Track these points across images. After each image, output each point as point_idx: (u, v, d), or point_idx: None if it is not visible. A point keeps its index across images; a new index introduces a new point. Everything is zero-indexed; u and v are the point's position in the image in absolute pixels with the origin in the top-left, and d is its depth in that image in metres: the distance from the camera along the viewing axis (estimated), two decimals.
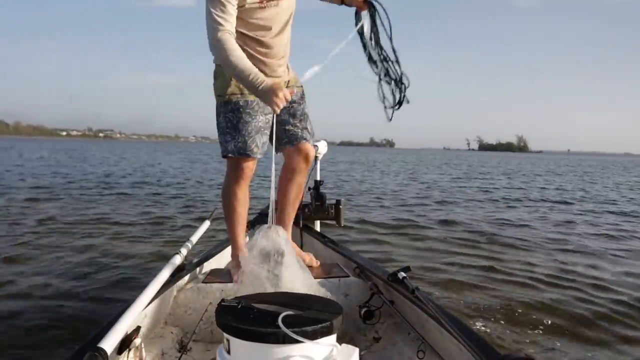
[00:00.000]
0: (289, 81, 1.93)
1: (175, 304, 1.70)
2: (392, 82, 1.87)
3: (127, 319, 1.24)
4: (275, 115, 1.70)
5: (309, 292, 1.44)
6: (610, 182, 17.01)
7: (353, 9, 1.89)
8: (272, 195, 1.79)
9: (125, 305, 1.34)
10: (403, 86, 1.87)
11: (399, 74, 1.86)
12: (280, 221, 2.03)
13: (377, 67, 1.89)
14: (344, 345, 1.21)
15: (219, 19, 1.60)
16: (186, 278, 1.81)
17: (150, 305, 1.47)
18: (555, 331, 2.58)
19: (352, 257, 2.05)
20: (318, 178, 2.85)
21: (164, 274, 1.64)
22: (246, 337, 1.14)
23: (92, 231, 4.97)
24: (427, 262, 3.98)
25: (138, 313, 1.32)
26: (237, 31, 1.68)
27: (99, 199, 7.83)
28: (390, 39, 1.84)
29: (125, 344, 1.21)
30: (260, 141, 1.83)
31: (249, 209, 1.99)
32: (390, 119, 1.91)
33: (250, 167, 1.86)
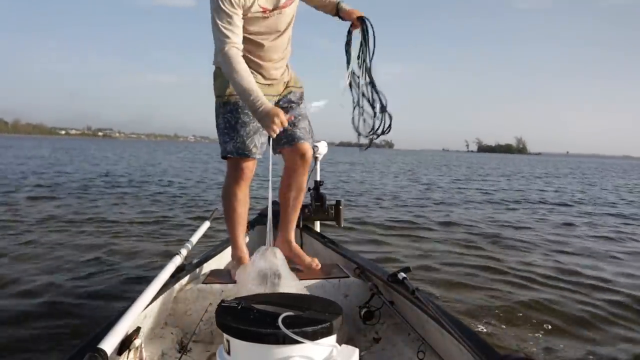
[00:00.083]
0: (288, 82, 1.93)
1: (175, 304, 1.70)
2: (376, 108, 1.85)
3: (127, 320, 1.24)
4: None
5: None
6: (609, 185, 17.04)
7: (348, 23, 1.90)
8: (270, 195, 1.80)
9: (125, 305, 1.34)
10: (387, 114, 1.85)
11: (384, 101, 1.85)
12: (283, 223, 2.03)
13: (357, 91, 1.88)
14: (344, 345, 1.21)
15: (226, 32, 1.60)
16: (186, 279, 1.81)
17: (151, 305, 1.47)
18: (555, 331, 2.59)
19: (352, 257, 2.05)
20: (318, 178, 2.85)
21: (164, 275, 1.64)
22: (246, 338, 1.14)
23: (91, 231, 4.97)
24: (427, 263, 3.98)
25: (138, 314, 1.32)
26: None
27: (99, 198, 7.82)
28: (370, 60, 1.84)
29: (125, 345, 1.21)
30: (259, 141, 1.83)
31: (250, 209, 1.99)
32: (366, 148, 1.90)
33: (250, 167, 1.86)
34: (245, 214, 1.96)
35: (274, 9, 1.70)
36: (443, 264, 3.98)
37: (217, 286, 1.73)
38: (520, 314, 2.82)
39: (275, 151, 1.90)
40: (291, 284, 1.49)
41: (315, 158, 2.79)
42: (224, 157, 1.87)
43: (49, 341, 2.22)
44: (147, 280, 1.57)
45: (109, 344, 1.11)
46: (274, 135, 1.62)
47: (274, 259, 1.51)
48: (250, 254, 1.97)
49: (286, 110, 1.89)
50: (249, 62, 1.68)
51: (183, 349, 1.57)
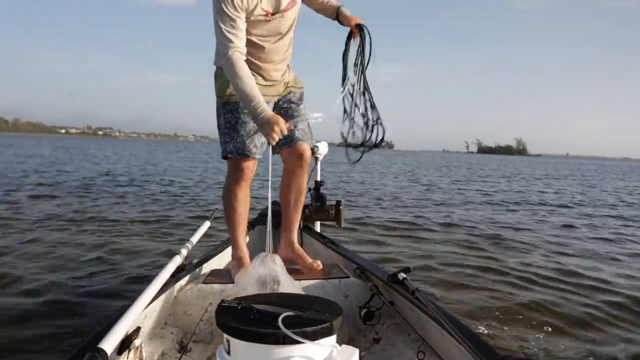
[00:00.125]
0: (288, 82, 1.93)
1: (175, 304, 1.69)
2: (368, 120, 1.86)
3: (127, 320, 1.24)
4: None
5: None
6: (609, 187, 17.05)
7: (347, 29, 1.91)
8: (270, 197, 1.80)
9: (125, 305, 1.34)
10: (380, 127, 1.85)
11: (376, 115, 1.86)
12: (285, 224, 2.03)
13: (350, 101, 1.88)
14: (344, 346, 1.21)
15: (229, 36, 1.60)
16: (186, 278, 1.81)
17: (151, 305, 1.46)
18: (555, 332, 2.59)
19: (352, 257, 2.05)
20: (318, 179, 2.85)
21: (164, 275, 1.64)
22: (246, 338, 1.14)
23: (92, 230, 4.97)
24: (428, 263, 3.98)
25: (138, 313, 1.32)
26: None
27: (100, 197, 7.82)
28: (366, 69, 1.85)
29: (125, 345, 1.21)
30: (258, 142, 1.83)
31: (250, 208, 1.99)
32: (355, 162, 1.90)
33: (250, 167, 1.86)
34: (246, 214, 1.96)
35: (275, 12, 1.70)
36: (443, 264, 3.98)
37: (217, 286, 1.72)
38: (520, 315, 2.82)
39: (274, 152, 1.90)
40: (290, 290, 1.51)
41: (316, 158, 2.79)
42: (224, 157, 1.87)
43: (48, 340, 2.22)
44: (147, 280, 1.57)
45: (109, 343, 1.11)
46: (273, 143, 1.64)
47: (274, 265, 1.52)
48: (251, 254, 1.98)
49: (285, 110, 1.90)
50: (249, 63, 1.69)
51: (183, 349, 1.57)
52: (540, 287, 3.47)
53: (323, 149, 2.79)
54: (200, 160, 24.97)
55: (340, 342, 1.22)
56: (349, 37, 1.91)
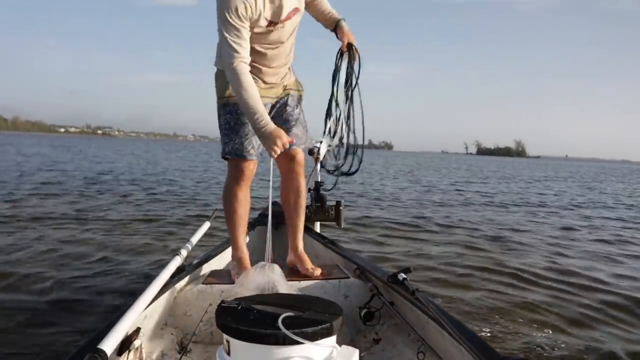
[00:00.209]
0: (287, 85, 1.94)
1: (175, 305, 1.69)
2: (347, 146, 1.94)
3: (127, 320, 1.24)
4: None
5: None
6: (608, 189, 17.07)
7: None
8: (270, 197, 1.80)
9: (125, 306, 1.34)
10: (357, 158, 1.94)
11: (355, 145, 1.94)
12: (289, 228, 2.03)
13: (335, 123, 1.94)
14: (344, 346, 1.21)
15: (234, 46, 1.60)
16: (186, 279, 1.81)
17: (150, 306, 1.46)
18: (555, 333, 2.59)
19: (352, 258, 2.05)
20: (318, 179, 2.85)
21: (164, 275, 1.64)
22: (246, 338, 1.14)
23: (92, 229, 4.96)
24: (428, 264, 3.98)
25: (138, 314, 1.32)
26: None
27: (100, 196, 7.82)
28: (353, 90, 1.91)
29: (125, 345, 1.21)
30: (256, 143, 1.83)
31: (251, 208, 1.99)
32: (331, 189, 1.94)
33: (250, 168, 1.86)
34: (246, 214, 1.96)
35: (277, 23, 1.70)
36: (443, 265, 3.98)
37: (217, 287, 1.72)
38: (521, 315, 2.82)
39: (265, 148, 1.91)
40: None
41: (316, 159, 2.78)
42: (223, 158, 1.88)
43: (48, 342, 2.21)
44: (147, 281, 1.57)
45: (109, 344, 1.11)
46: (275, 156, 1.66)
47: (273, 274, 1.54)
48: (251, 255, 1.98)
49: (281, 113, 1.90)
50: (251, 67, 1.69)
51: (183, 349, 1.57)
52: (539, 287, 3.48)
53: (323, 149, 2.78)
54: (201, 160, 24.96)
55: (340, 342, 1.22)
56: (339, 55, 1.94)
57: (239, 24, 1.59)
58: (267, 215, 1.80)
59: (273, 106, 1.91)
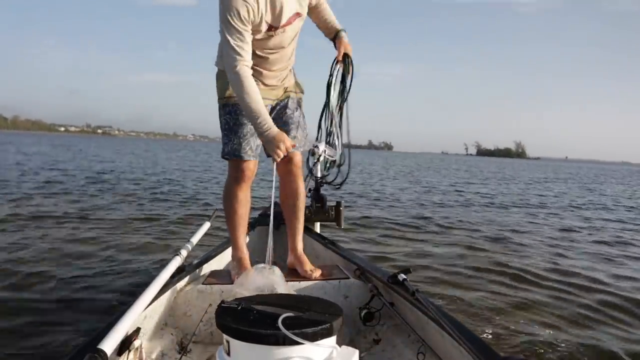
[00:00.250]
0: (287, 87, 1.94)
1: (175, 305, 1.69)
2: (335, 161, 2.01)
3: (127, 320, 1.24)
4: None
5: None
6: (608, 190, 17.08)
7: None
8: (273, 198, 1.80)
9: (125, 306, 1.34)
10: (339, 172, 2.03)
11: (342, 157, 2.02)
12: (288, 229, 2.03)
13: (326, 133, 1.99)
14: (343, 347, 1.21)
15: (237, 49, 1.60)
16: (186, 279, 1.81)
17: (150, 306, 1.46)
18: (555, 333, 2.59)
19: (352, 258, 2.05)
20: (338, 158, 2.82)
21: (164, 275, 1.64)
22: (246, 339, 1.14)
23: (92, 229, 4.96)
24: (428, 265, 3.98)
25: (138, 314, 1.32)
26: None
27: (100, 196, 7.82)
28: (346, 100, 1.97)
29: (125, 346, 1.21)
30: (254, 144, 1.83)
31: (251, 207, 1.99)
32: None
33: (250, 168, 1.86)
34: (246, 214, 1.96)
35: (277, 28, 1.70)
36: (443, 265, 3.98)
37: (217, 287, 1.72)
38: (521, 316, 2.82)
39: (267, 155, 1.92)
40: None
41: (317, 160, 2.78)
42: (223, 158, 1.88)
43: (48, 343, 2.21)
44: (147, 281, 1.57)
45: (109, 344, 1.11)
46: (278, 160, 1.68)
47: (273, 277, 1.55)
48: (251, 255, 1.98)
49: (281, 115, 1.90)
50: (252, 70, 1.69)
51: (183, 349, 1.57)
52: (539, 287, 3.48)
53: (323, 149, 2.78)
54: (201, 160, 24.96)
55: (340, 343, 1.22)
56: (334, 64, 1.97)
57: (242, 27, 1.59)
58: (267, 216, 1.80)
59: (273, 108, 1.91)
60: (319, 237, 2.53)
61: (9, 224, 4.98)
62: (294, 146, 1.71)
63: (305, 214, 2.12)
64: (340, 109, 2.00)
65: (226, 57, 1.63)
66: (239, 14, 1.57)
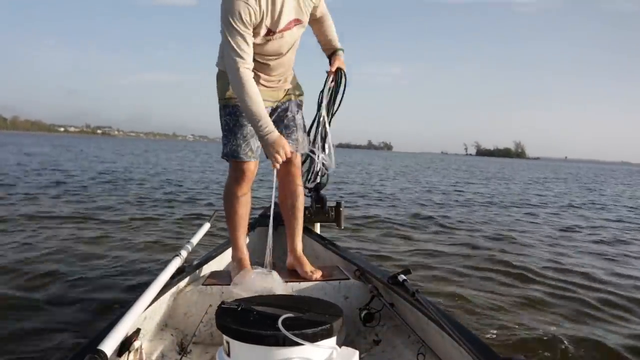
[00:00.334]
0: (287, 90, 1.94)
1: (175, 306, 1.69)
2: (316, 166, 2.04)
3: (127, 322, 1.24)
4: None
5: None
6: (608, 190, 17.09)
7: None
8: (273, 199, 1.80)
9: (125, 307, 1.34)
10: (323, 175, 2.09)
11: (325, 166, 2.06)
12: (287, 231, 2.03)
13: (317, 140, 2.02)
14: (343, 347, 1.21)
15: (239, 51, 1.60)
16: (186, 280, 1.81)
17: (150, 307, 1.46)
18: (556, 333, 2.58)
19: (353, 259, 2.05)
20: (318, 180, 2.84)
21: (164, 276, 1.64)
22: (246, 340, 1.14)
23: (92, 229, 4.96)
24: (428, 265, 3.98)
25: (138, 315, 1.32)
26: None
27: (101, 196, 7.82)
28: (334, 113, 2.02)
29: (125, 347, 1.21)
30: (254, 145, 1.83)
31: (252, 208, 1.99)
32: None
33: (250, 169, 1.86)
34: (247, 215, 1.96)
35: (275, 32, 1.69)
36: (443, 265, 3.98)
37: (217, 288, 1.72)
38: (521, 315, 2.82)
39: (267, 157, 1.92)
40: None
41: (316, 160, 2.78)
42: (223, 158, 1.88)
43: (48, 344, 2.20)
44: (147, 282, 1.57)
45: (109, 345, 1.11)
46: (278, 166, 1.69)
47: (272, 282, 1.56)
48: (251, 256, 1.98)
49: (282, 118, 1.90)
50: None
51: (183, 350, 1.57)
52: (540, 284, 3.49)
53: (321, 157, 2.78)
54: (201, 161, 24.96)
55: (340, 343, 1.22)
56: (327, 77, 2.00)
57: (243, 29, 1.59)
58: (268, 216, 1.80)
59: (274, 110, 1.91)
60: (319, 238, 2.53)
61: (9, 223, 4.98)
62: (292, 152, 1.72)
63: (305, 215, 2.12)
64: (330, 120, 2.04)
65: (227, 58, 1.63)
66: (240, 16, 1.57)
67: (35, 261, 3.58)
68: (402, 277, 1.63)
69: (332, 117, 2.03)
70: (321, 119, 2.01)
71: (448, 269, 3.87)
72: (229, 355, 1.18)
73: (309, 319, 1.20)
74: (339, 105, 2.02)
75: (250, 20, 1.59)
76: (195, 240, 2.29)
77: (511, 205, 9.56)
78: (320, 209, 2.69)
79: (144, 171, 14.30)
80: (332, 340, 1.20)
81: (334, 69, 1.96)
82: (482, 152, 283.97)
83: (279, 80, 1.88)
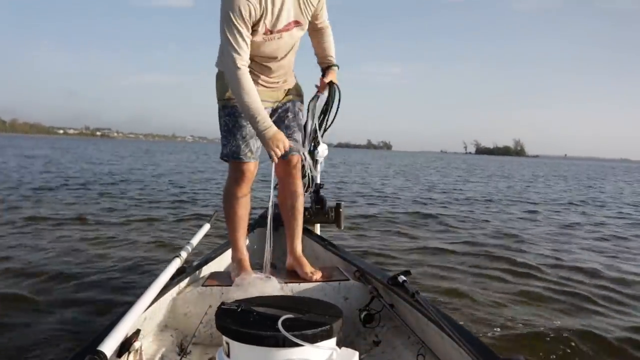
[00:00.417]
0: (287, 90, 1.94)
1: (175, 307, 1.69)
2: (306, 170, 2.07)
3: (127, 322, 1.24)
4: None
5: None
6: (608, 187, 17.10)
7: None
8: (271, 199, 1.80)
9: (125, 308, 1.34)
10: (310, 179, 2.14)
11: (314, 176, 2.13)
12: (286, 232, 2.03)
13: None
14: (343, 348, 1.21)
15: (237, 48, 1.60)
16: (186, 281, 1.81)
17: (150, 308, 1.46)
18: (556, 333, 2.58)
19: (352, 260, 2.05)
20: (318, 181, 2.84)
21: (164, 277, 1.64)
22: (246, 340, 1.14)
23: (92, 229, 4.96)
24: (428, 265, 3.98)
25: (138, 316, 1.32)
26: None
27: (101, 196, 7.84)
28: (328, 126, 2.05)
29: (125, 347, 1.21)
30: (254, 146, 1.83)
31: (252, 208, 1.99)
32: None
33: (250, 170, 1.86)
34: (246, 216, 1.96)
35: (272, 32, 1.69)
36: (443, 266, 3.98)
37: (217, 289, 1.72)
38: (521, 316, 2.82)
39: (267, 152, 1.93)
40: None
41: (316, 161, 2.78)
42: (222, 159, 1.88)
43: (48, 344, 2.20)
44: (147, 282, 1.57)
45: (109, 346, 1.11)
46: (276, 160, 1.70)
47: (271, 288, 1.57)
48: (251, 256, 1.98)
49: (283, 119, 1.90)
50: (250, 73, 1.69)
51: (183, 351, 1.57)
52: (540, 281, 3.49)
53: (323, 151, 2.78)
54: (201, 161, 24.96)
55: (340, 344, 1.22)
56: (318, 90, 2.01)
57: (242, 27, 1.59)
58: (266, 217, 1.80)
59: (274, 110, 1.91)
60: (319, 239, 2.53)
61: (8, 226, 4.98)
62: (291, 146, 1.71)
63: (305, 216, 2.13)
64: (322, 134, 2.06)
65: (225, 55, 1.63)
66: (240, 11, 1.57)
67: (36, 262, 3.58)
68: (401, 278, 1.63)
69: (324, 131, 2.05)
70: (312, 128, 2.02)
71: (449, 267, 3.87)
72: (228, 356, 1.18)
73: (308, 319, 1.20)
74: (332, 120, 2.03)
75: (250, 17, 1.60)
76: (195, 241, 2.29)
77: (511, 203, 9.57)
78: (320, 209, 2.69)
79: (144, 173, 14.29)
80: (332, 341, 1.20)
81: (327, 81, 1.97)
82: (481, 151, 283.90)
83: (279, 82, 1.88)
